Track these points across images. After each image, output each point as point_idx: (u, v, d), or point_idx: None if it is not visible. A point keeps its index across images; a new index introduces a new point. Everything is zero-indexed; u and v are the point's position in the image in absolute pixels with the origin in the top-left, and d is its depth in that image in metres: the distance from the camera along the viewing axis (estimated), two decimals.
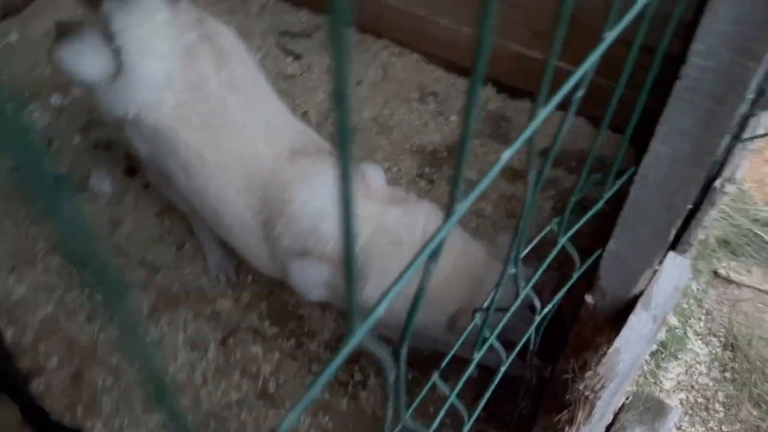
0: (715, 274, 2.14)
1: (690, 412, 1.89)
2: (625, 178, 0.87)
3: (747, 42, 0.68)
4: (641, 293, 0.98)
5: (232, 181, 1.53)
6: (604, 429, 1.10)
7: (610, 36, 0.52)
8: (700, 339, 2.01)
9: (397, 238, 1.48)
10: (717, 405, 1.90)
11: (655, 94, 0.77)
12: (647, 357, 1.95)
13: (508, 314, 0.78)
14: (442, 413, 0.73)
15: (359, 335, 0.38)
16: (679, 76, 0.76)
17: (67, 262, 2.03)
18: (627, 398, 1.17)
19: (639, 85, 0.74)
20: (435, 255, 0.45)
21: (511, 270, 0.68)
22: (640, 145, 0.90)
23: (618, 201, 0.95)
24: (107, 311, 0.25)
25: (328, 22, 0.25)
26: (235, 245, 1.67)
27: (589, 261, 0.95)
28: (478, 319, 0.73)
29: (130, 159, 2.30)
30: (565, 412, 0.98)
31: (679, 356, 1.95)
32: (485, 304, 0.74)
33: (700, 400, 1.91)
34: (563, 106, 0.54)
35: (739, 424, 1.85)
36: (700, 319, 2.05)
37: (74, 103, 2.51)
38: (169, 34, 1.54)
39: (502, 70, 2.40)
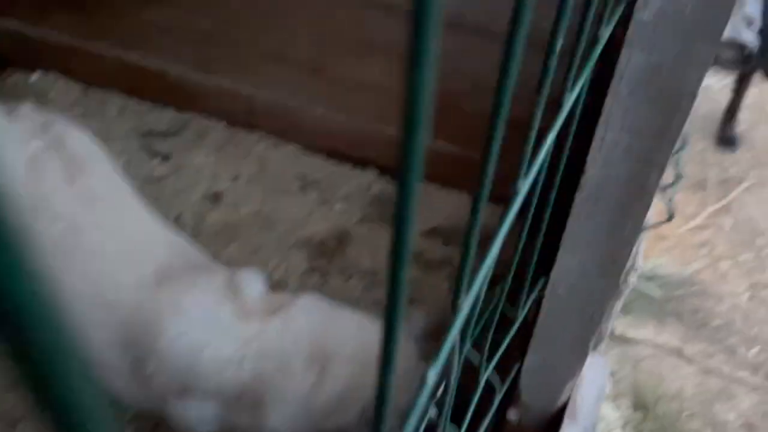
0: (612, 334, 2.17)
1: None
2: (536, 293, 0.81)
3: (646, 152, 0.65)
4: (566, 404, 0.92)
5: (89, 315, 1.32)
6: None
7: (523, 188, 0.45)
8: (611, 402, 2.01)
9: (284, 358, 1.34)
10: None
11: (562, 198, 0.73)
12: None
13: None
14: None
15: None
16: (579, 186, 0.72)
17: None
18: None
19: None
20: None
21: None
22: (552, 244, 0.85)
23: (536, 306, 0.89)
24: None
25: None
26: (104, 385, 1.45)
27: (509, 379, 0.88)
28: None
29: None
30: None
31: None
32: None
33: None
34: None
35: None
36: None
37: None
38: (6, 147, 1.34)
39: (381, 153, 2.37)
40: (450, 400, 0.56)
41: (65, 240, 1.32)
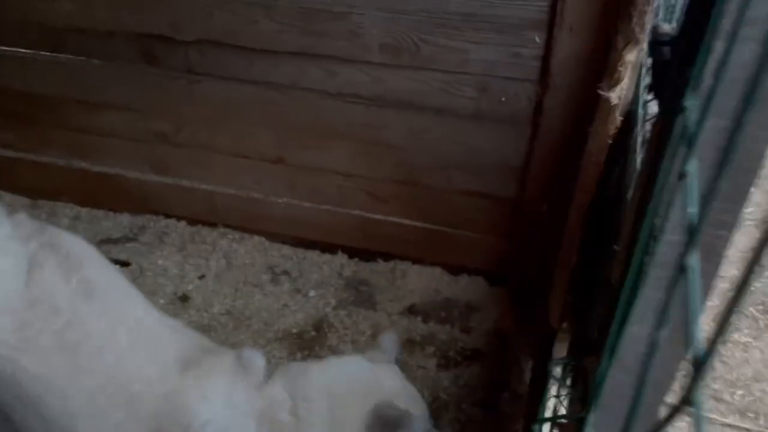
0: None
1: None
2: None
3: (719, 215, 0.66)
4: None
5: (108, 413, 1.22)
6: None
7: None
8: None
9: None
10: None
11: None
12: None
13: None
14: None
15: None
16: (648, 251, 0.71)
17: None
18: None
19: None
20: None
21: None
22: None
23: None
24: None
25: None
26: None
27: None
28: None
29: None
30: None
31: None
32: None
33: None
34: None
35: None
36: None
37: None
38: (11, 250, 1.32)
39: (350, 237, 2.35)
40: None
41: (70, 331, 1.25)
